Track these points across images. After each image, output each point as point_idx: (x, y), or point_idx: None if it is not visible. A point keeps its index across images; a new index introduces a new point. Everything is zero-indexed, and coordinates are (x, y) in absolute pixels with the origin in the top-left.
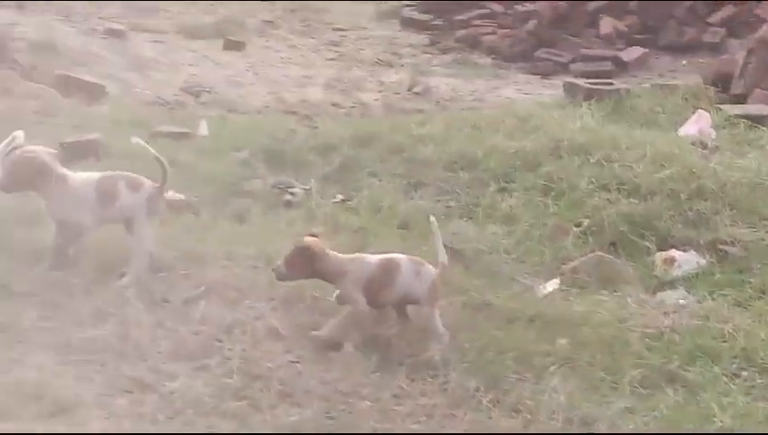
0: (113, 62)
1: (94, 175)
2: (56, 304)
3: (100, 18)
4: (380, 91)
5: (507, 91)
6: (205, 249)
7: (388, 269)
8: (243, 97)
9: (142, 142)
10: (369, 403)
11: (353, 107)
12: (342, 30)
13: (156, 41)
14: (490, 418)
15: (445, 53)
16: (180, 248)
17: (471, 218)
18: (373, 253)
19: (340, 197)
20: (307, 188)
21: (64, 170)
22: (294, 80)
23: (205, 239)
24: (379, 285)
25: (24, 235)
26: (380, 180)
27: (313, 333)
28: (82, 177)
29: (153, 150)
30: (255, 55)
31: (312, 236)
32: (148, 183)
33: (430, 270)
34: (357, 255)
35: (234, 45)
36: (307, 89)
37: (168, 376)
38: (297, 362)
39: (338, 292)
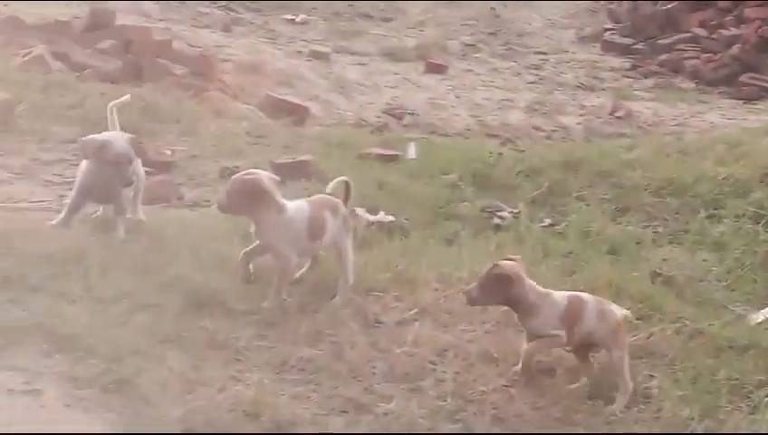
0: (317, 84)
1: (305, 206)
2: (272, 324)
3: (304, 41)
4: (582, 115)
5: (711, 117)
6: (416, 271)
7: (576, 307)
8: (444, 120)
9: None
10: (582, 430)
11: (554, 131)
12: (543, 53)
13: (359, 63)
14: None
15: (646, 78)
16: (392, 270)
17: (680, 245)
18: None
19: (548, 221)
20: (515, 211)
21: (283, 200)
22: (496, 103)
23: (416, 261)
24: (567, 324)
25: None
26: (588, 205)
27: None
28: (296, 208)
29: (337, 180)
30: (457, 78)
31: (510, 260)
32: (340, 203)
33: (615, 312)
34: (546, 290)
35: (435, 68)
36: (508, 112)
37: (382, 397)
38: (510, 386)
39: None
